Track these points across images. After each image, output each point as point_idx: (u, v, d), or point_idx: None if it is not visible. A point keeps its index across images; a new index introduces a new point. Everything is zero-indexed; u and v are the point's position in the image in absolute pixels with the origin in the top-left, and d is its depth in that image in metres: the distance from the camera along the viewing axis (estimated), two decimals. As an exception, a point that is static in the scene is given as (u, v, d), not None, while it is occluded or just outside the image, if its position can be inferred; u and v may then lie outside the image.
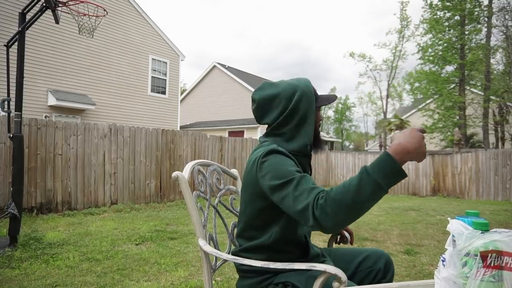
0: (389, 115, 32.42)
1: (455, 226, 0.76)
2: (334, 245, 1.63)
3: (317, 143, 1.34)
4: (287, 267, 1.04)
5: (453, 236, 0.76)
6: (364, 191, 0.93)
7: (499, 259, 0.71)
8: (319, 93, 1.35)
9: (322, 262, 1.32)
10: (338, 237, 1.60)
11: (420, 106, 21.71)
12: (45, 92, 10.64)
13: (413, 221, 5.92)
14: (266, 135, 1.30)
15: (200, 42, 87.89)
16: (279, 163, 1.13)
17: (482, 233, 0.73)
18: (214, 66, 22.98)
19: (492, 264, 0.70)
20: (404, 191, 11.74)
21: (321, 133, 1.39)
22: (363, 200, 0.94)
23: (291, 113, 1.24)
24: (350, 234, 1.57)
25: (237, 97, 21.61)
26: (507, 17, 16.20)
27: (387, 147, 1.28)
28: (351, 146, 55.90)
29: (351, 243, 1.56)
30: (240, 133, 18.02)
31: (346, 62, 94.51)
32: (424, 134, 0.98)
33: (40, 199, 5.72)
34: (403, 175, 0.93)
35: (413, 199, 10.23)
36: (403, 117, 26.52)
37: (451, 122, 17.66)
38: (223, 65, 22.96)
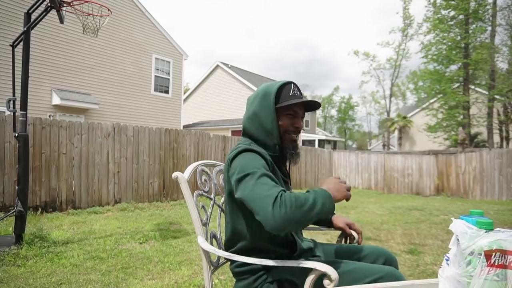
0: (392, 114, 32.30)
1: (458, 225, 0.76)
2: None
3: (284, 146, 1.31)
4: (279, 264, 1.07)
5: (456, 235, 0.76)
6: (314, 208, 1.01)
7: (503, 258, 0.71)
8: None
9: (313, 256, 1.32)
10: (348, 237, 1.60)
11: (424, 105, 21.62)
12: (49, 92, 10.70)
13: (417, 220, 5.91)
14: (242, 135, 1.37)
15: (207, 41, 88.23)
16: (248, 159, 1.17)
17: (486, 232, 0.74)
18: (217, 66, 22.99)
19: (496, 263, 0.71)
20: (407, 191, 11.70)
21: (289, 137, 1.32)
22: (311, 214, 1.01)
23: (251, 115, 1.31)
24: (359, 234, 1.57)
25: (240, 96, 21.60)
26: (511, 16, 16.08)
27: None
28: (354, 146, 55.77)
29: (359, 243, 1.56)
30: (243, 133, 18.01)
31: (353, 61, 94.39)
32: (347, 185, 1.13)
33: (44, 198, 5.76)
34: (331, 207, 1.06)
35: (417, 198, 10.20)
36: (406, 116, 26.46)
37: (455, 122, 17.57)
38: (226, 64, 22.97)
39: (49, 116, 10.39)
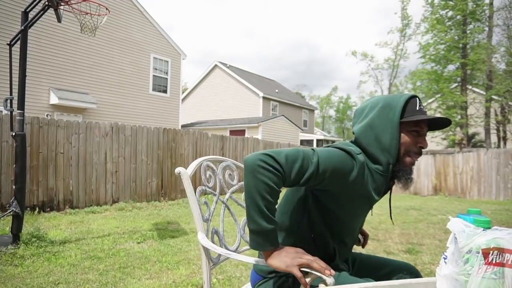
0: (390, 115, 32.27)
1: (456, 224, 0.76)
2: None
3: (399, 169, 1.15)
4: None
5: (454, 233, 0.76)
6: (254, 211, 1.00)
7: (500, 256, 0.71)
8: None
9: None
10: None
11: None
12: (47, 91, 10.66)
13: (415, 220, 5.92)
14: (353, 142, 1.25)
15: (207, 40, 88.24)
16: (333, 150, 1.10)
17: (483, 230, 0.74)
18: (216, 65, 22.98)
19: (493, 261, 0.71)
20: (405, 191, 11.72)
21: (410, 160, 1.16)
22: (250, 200, 1.00)
23: (366, 126, 1.17)
24: (365, 236, 1.53)
25: (238, 95, 21.60)
26: (508, 16, 16.15)
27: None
28: (352, 146, 55.81)
29: (363, 246, 1.54)
30: (241, 132, 18.04)
31: (352, 61, 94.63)
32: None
33: (42, 198, 5.74)
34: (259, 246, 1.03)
35: (415, 198, 10.22)
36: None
37: (452, 122, 17.60)
38: (225, 64, 22.96)
39: (47, 116, 10.35)
